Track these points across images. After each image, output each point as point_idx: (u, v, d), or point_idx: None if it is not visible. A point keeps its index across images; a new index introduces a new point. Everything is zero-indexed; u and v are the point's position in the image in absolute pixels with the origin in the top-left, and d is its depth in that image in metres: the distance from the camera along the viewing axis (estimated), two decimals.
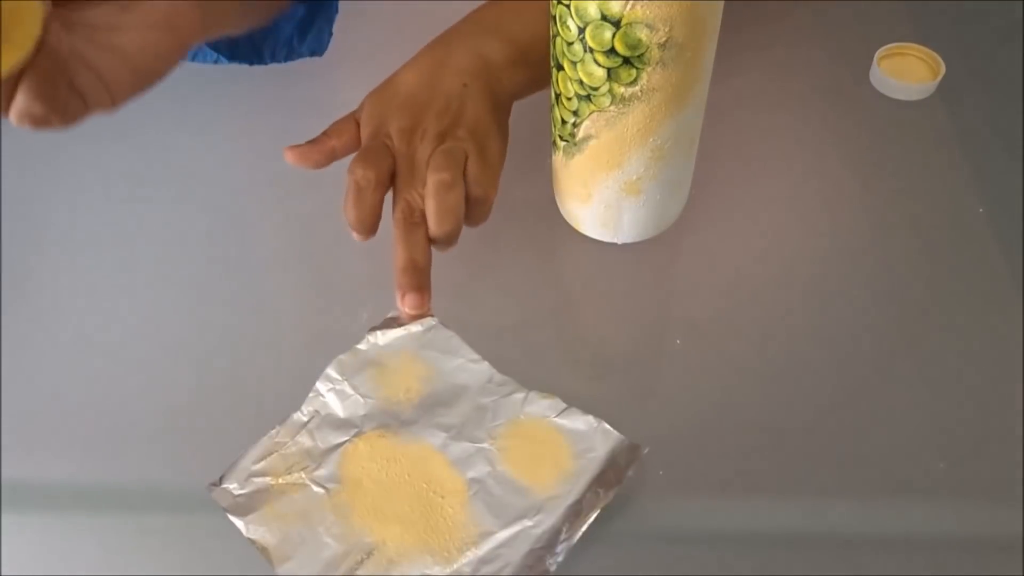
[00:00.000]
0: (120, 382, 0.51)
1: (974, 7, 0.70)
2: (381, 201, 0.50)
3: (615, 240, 0.55)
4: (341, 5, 0.64)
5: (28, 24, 0.39)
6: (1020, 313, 0.51)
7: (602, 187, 0.50)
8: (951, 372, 0.50)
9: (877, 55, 0.64)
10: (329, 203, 0.52)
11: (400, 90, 0.54)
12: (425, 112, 0.52)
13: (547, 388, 0.47)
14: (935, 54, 0.64)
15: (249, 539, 0.43)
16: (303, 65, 0.62)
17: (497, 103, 0.54)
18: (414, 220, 0.50)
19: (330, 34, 0.63)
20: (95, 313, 0.55)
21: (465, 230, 0.51)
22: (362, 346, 0.50)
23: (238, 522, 0.44)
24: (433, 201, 0.49)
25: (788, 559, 0.43)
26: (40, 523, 0.46)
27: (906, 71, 0.64)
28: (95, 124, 0.62)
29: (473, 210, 0.51)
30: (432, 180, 0.49)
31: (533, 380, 0.48)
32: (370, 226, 0.50)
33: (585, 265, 0.56)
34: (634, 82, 0.44)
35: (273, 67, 0.62)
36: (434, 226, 0.49)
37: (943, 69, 0.63)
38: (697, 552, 0.44)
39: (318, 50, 0.62)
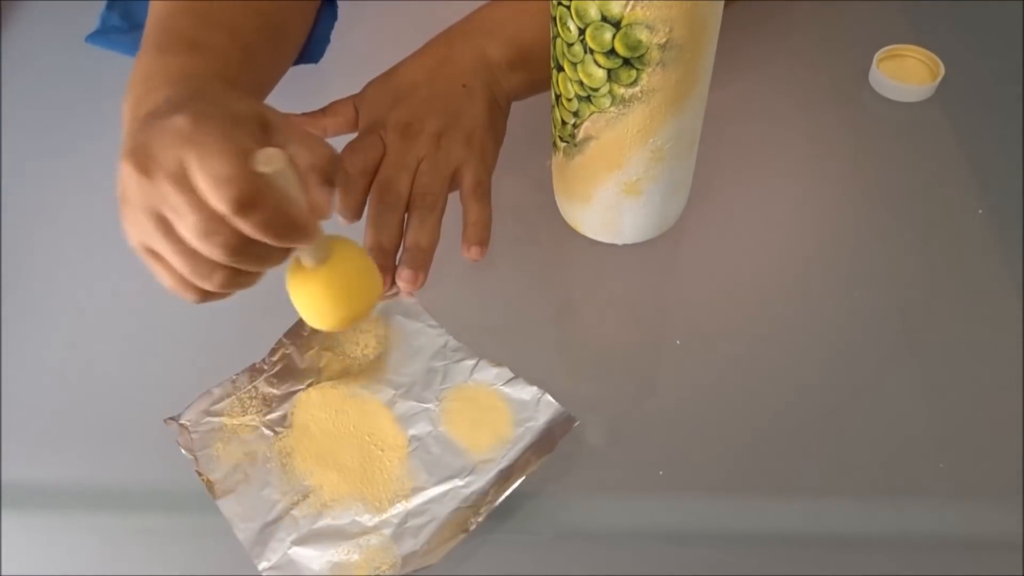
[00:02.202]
0: (120, 382, 0.51)
1: (973, 9, 0.70)
2: (366, 189, 0.52)
3: (615, 241, 0.55)
4: (340, 5, 0.64)
5: (371, 289, 0.45)
6: (1020, 313, 0.51)
7: (602, 188, 0.50)
8: (951, 372, 0.50)
9: (876, 57, 0.64)
10: None
11: (401, 83, 0.55)
12: (423, 109, 0.53)
13: (547, 388, 0.47)
14: (934, 56, 0.64)
15: (196, 472, 0.46)
16: (301, 66, 0.62)
17: (495, 104, 0.54)
18: (387, 201, 0.51)
19: (327, 41, 0.64)
20: (95, 313, 0.55)
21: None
22: None
23: (189, 456, 0.46)
24: (416, 214, 0.50)
25: (788, 559, 0.43)
26: (40, 523, 0.46)
27: (905, 73, 0.64)
28: (95, 125, 0.62)
29: (470, 214, 0.52)
30: (416, 194, 0.51)
31: (533, 380, 0.47)
32: (353, 211, 0.51)
33: (585, 266, 0.56)
34: (634, 83, 0.44)
35: None
36: (410, 238, 0.50)
37: (942, 71, 0.63)
38: (696, 552, 0.44)
39: (313, 58, 0.62)
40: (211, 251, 0.36)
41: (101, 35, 0.68)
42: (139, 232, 0.38)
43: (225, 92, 0.42)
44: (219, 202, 0.35)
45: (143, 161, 0.36)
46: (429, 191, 0.51)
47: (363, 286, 0.45)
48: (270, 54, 0.53)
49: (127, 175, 0.37)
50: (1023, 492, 0.45)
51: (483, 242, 0.51)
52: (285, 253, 0.39)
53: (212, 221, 0.36)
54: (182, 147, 0.36)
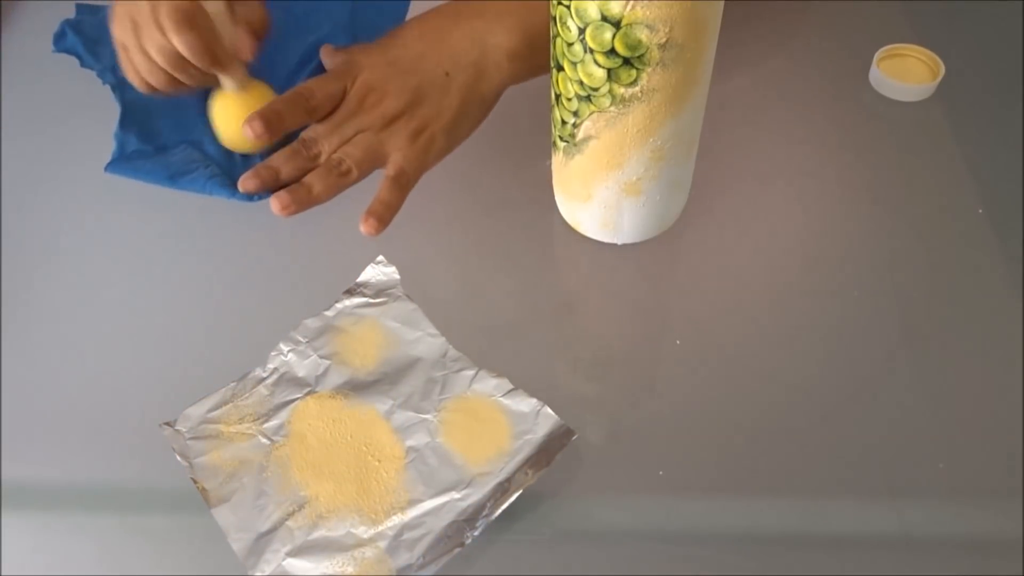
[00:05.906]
0: (119, 382, 0.51)
1: (973, 8, 0.70)
2: (292, 123, 0.52)
3: (615, 240, 0.55)
4: None
5: None
6: (1020, 313, 0.51)
7: (602, 187, 0.50)
8: (951, 372, 0.50)
9: (876, 56, 0.64)
10: (325, 205, 0.52)
11: (393, 45, 0.55)
12: (393, 84, 0.53)
13: (547, 388, 0.47)
14: (934, 55, 0.64)
15: (191, 479, 0.46)
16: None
17: (473, 97, 0.54)
18: (302, 154, 0.52)
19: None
20: (94, 314, 0.55)
21: (468, 230, 0.51)
22: (329, 312, 0.52)
23: (184, 463, 0.46)
24: (322, 170, 0.51)
25: (788, 559, 0.43)
26: (40, 523, 0.46)
27: (905, 72, 0.64)
28: (95, 126, 0.62)
29: (382, 193, 0.51)
30: (335, 157, 0.52)
31: (532, 380, 0.48)
32: (268, 124, 0.50)
33: (585, 265, 0.56)
34: (634, 83, 0.44)
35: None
36: (308, 178, 0.51)
37: (942, 70, 0.63)
38: (696, 552, 0.44)
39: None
40: (157, 57, 0.50)
41: (123, 162, 0.57)
42: (120, 30, 0.52)
43: None
44: (167, 19, 0.49)
45: None
46: (348, 159, 0.51)
47: None
48: None
49: None
50: (1023, 492, 0.45)
51: (383, 220, 0.50)
52: (211, 77, 0.53)
53: (162, 35, 0.49)
54: None
